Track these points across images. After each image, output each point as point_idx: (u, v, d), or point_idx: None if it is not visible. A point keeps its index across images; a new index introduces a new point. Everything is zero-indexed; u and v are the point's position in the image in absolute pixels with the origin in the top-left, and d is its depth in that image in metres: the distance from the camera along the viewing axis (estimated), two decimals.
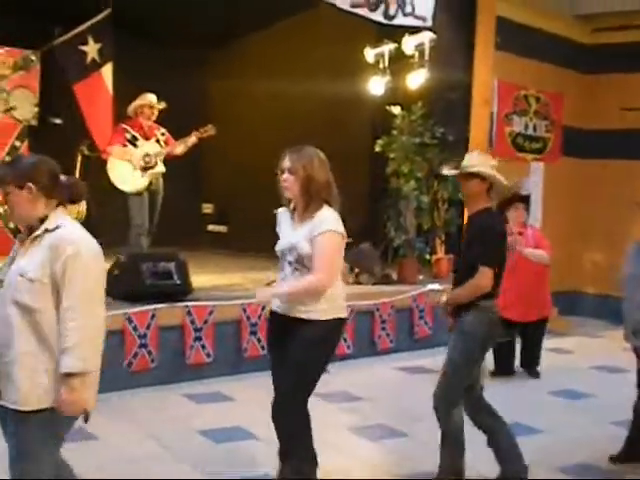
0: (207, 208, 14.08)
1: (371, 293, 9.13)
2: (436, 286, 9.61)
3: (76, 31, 11.59)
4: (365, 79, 10.93)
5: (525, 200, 8.20)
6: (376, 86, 10.81)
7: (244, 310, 7.81)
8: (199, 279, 8.38)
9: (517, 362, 8.40)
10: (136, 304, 7.17)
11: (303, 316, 4.44)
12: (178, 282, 7.62)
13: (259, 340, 7.82)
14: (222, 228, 13.65)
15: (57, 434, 3.59)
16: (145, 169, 9.41)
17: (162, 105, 9.71)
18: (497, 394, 5.96)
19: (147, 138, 9.56)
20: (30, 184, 3.50)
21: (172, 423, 6.17)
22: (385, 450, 5.84)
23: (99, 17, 11.61)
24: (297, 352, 4.46)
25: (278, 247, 4.63)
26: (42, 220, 3.50)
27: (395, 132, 10.25)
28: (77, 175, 11.70)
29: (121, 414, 6.32)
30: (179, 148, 9.50)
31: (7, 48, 11.53)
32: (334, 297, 4.59)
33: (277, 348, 4.64)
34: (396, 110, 10.31)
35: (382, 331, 8.92)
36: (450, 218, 10.45)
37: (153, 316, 7.11)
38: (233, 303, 7.86)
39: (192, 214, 13.20)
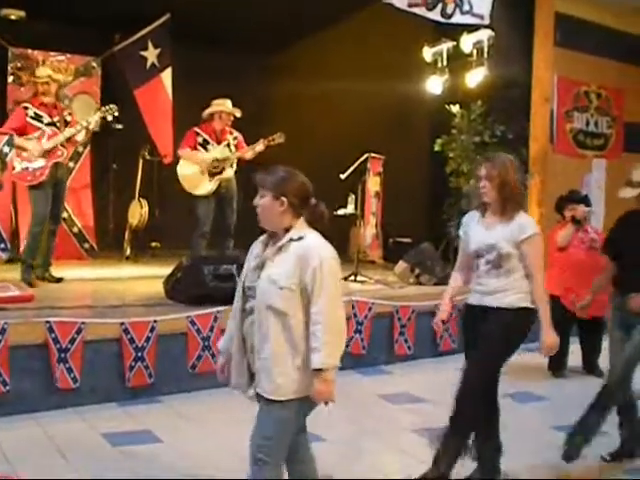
0: None
1: (432, 293, 9.05)
2: None
3: (136, 37, 11.77)
4: (424, 78, 10.91)
5: (583, 201, 8.08)
6: (435, 85, 10.79)
7: None
8: None
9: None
10: (199, 307, 7.22)
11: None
12: None
13: None
14: None
15: (298, 423, 3.97)
16: (213, 174, 9.48)
17: (238, 112, 9.75)
18: (559, 393, 5.92)
19: (219, 142, 9.62)
20: (284, 198, 3.82)
21: (237, 425, 6.18)
22: None
23: (158, 22, 11.79)
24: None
25: (473, 246, 4.94)
26: (287, 229, 3.84)
27: (454, 131, 10.21)
28: (139, 179, 11.88)
29: (186, 416, 6.37)
30: (248, 154, 9.56)
31: (69, 55, 11.77)
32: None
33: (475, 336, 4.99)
34: (455, 109, 10.28)
35: (444, 332, 8.86)
36: None
37: (216, 318, 7.15)
38: None
39: (254, 215, 13.30)
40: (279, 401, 3.78)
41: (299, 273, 3.72)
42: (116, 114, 8.96)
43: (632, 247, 5.59)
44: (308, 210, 3.91)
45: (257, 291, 3.82)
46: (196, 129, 9.69)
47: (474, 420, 5.00)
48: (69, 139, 8.63)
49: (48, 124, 8.58)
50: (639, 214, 5.84)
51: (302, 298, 3.75)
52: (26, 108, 8.60)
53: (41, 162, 8.36)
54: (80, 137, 8.80)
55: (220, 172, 9.49)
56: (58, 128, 8.61)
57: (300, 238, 3.79)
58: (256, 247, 4.00)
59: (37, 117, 8.55)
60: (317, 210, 3.94)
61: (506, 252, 4.76)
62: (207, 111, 9.72)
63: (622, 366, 5.49)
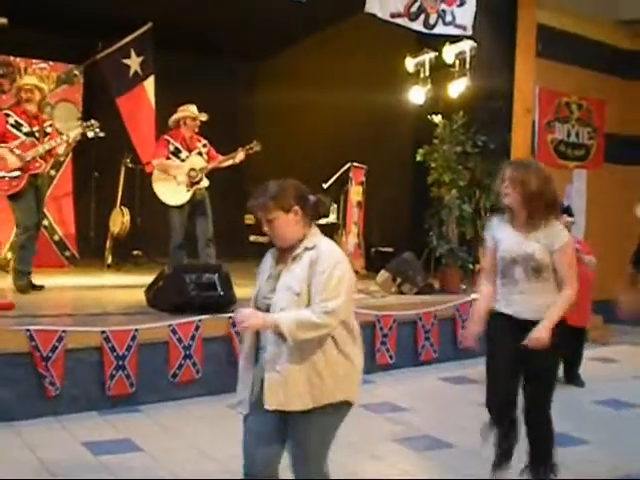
0: (249, 219, 14.12)
1: (414, 303, 9.10)
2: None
3: (119, 45, 11.76)
4: (406, 88, 10.94)
5: (565, 212, 8.11)
6: (417, 95, 10.81)
7: None
8: (242, 290, 8.40)
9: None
10: (180, 315, 7.20)
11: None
12: (222, 293, 7.64)
13: None
14: (264, 239, 13.66)
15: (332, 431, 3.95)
16: (191, 184, 9.48)
17: (204, 116, 9.78)
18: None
19: (189, 149, 9.63)
20: (295, 208, 3.81)
21: (216, 435, 6.19)
22: (430, 461, 5.82)
23: (141, 31, 11.77)
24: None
25: (507, 253, 4.84)
26: (300, 239, 3.84)
27: (436, 141, 10.22)
28: (120, 187, 11.85)
29: (166, 426, 6.36)
30: (226, 163, 9.59)
31: (51, 63, 11.73)
32: None
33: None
34: (437, 119, 10.29)
35: (425, 341, 8.89)
36: None
37: (197, 327, 7.14)
38: None
39: (235, 225, 13.23)
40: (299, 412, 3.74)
41: (310, 277, 3.72)
42: (97, 131, 8.90)
43: None
44: (312, 207, 3.90)
45: (273, 300, 3.80)
46: (166, 137, 9.71)
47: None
48: (48, 151, 8.58)
49: (27, 134, 8.51)
50: None
51: (310, 298, 3.72)
52: (7, 115, 8.54)
53: (18, 173, 8.30)
54: (60, 150, 8.73)
55: (197, 182, 9.50)
56: (37, 139, 8.55)
57: (314, 246, 3.80)
58: (267, 260, 4.02)
59: (17, 125, 8.49)
60: (320, 205, 3.93)
61: (546, 263, 4.73)
62: (173, 118, 9.75)
63: None
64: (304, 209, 3.84)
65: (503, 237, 4.90)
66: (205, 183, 9.57)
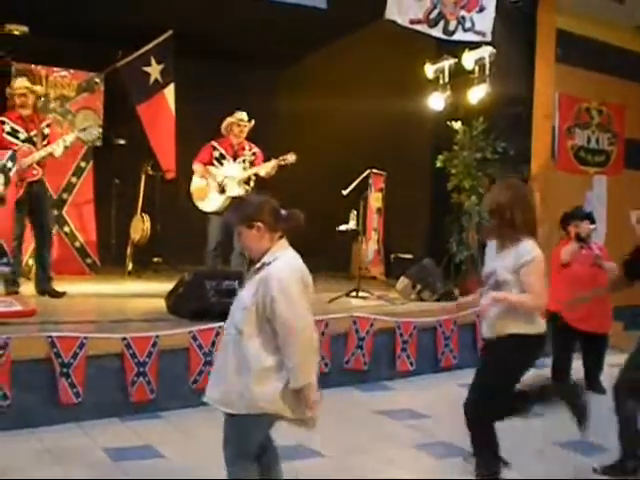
0: None
1: (433, 309, 9.09)
2: None
3: (139, 52, 11.81)
4: (425, 95, 10.93)
5: (587, 217, 8.09)
6: (436, 102, 10.80)
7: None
8: None
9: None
10: (201, 322, 7.22)
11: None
12: None
13: (322, 358, 7.85)
14: None
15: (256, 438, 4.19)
16: (223, 191, 9.51)
17: (251, 123, 9.79)
18: (561, 409, 5.91)
19: (235, 157, 9.64)
20: (257, 223, 4.00)
21: None
22: (449, 467, 5.81)
23: (161, 38, 11.81)
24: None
25: (482, 274, 5.10)
26: (265, 253, 4.03)
27: (456, 147, 10.22)
28: (141, 194, 11.90)
29: (187, 432, 6.38)
30: (261, 172, 9.57)
31: (72, 71, 11.79)
32: None
33: None
34: (457, 125, 10.29)
35: (445, 348, 8.87)
36: None
37: (218, 334, 7.15)
38: None
39: None
40: (234, 415, 4.05)
41: (260, 294, 3.91)
42: (94, 134, 8.90)
43: None
44: (284, 222, 4.08)
45: (232, 310, 4.10)
46: (213, 143, 9.74)
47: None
48: (44, 157, 8.54)
49: (24, 140, 8.49)
50: None
51: (258, 318, 3.92)
52: (2, 122, 8.51)
53: (15, 179, 8.25)
54: (57, 154, 8.60)
55: (230, 190, 9.51)
56: (34, 144, 8.52)
57: (269, 263, 3.98)
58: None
59: (13, 132, 8.47)
60: (292, 218, 4.10)
61: (503, 279, 4.82)
62: (223, 124, 9.78)
63: None
64: (268, 224, 4.02)
65: (488, 258, 5.13)
66: (235, 192, 9.52)
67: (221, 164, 9.64)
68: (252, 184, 9.71)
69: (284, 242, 4.10)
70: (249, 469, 4.16)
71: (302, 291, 3.98)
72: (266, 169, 9.54)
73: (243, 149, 9.75)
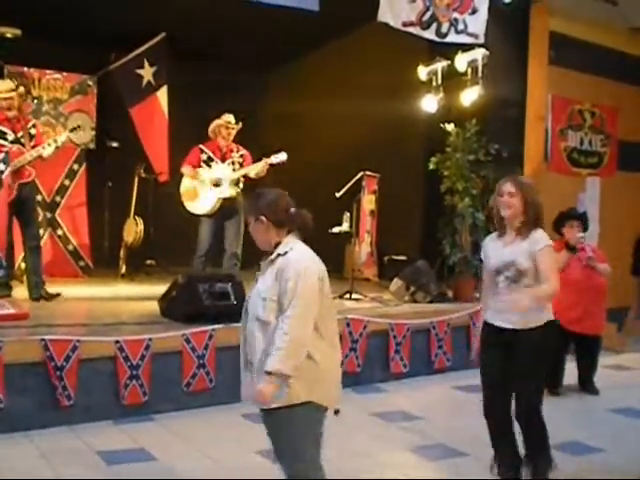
0: None
1: (427, 311, 9.09)
2: None
3: (132, 55, 11.81)
4: (418, 97, 10.92)
5: (580, 218, 8.10)
6: (429, 104, 10.79)
7: None
8: None
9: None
10: (194, 325, 7.22)
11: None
12: (235, 303, 7.64)
13: None
14: None
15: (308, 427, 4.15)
16: (217, 185, 9.51)
17: (239, 125, 9.79)
18: (555, 411, 5.94)
19: (223, 159, 9.65)
20: (262, 217, 4.11)
21: (230, 443, 6.20)
22: (444, 470, 5.81)
23: (154, 41, 11.82)
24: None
25: (493, 266, 5.15)
26: (276, 245, 4.09)
27: (449, 149, 10.21)
28: (134, 197, 11.88)
29: (180, 435, 6.37)
30: (251, 172, 9.56)
31: (65, 73, 11.80)
32: None
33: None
34: (450, 127, 10.28)
35: (439, 349, 8.88)
36: None
37: (211, 336, 7.15)
38: None
39: (248, 235, 13.30)
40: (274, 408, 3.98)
41: (278, 285, 3.96)
42: (82, 134, 8.87)
43: None
44: (290, 220, 4.14)
45: (249, 306, 4.13)
46: (201, 146, 9.77)
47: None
48: (36, 158, 8.54)
49: (13, 141, 8.48)
50: None
51: (280, 307, 3.95)
52: None
53: (8, 183, 8.28)
54: (46, 154, 8.56)
55: (221, 191, 9.52)
56: (23, 145, 8.51)
57: (286, 252, 4.03)
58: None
59: (1, 134, 8.46)
60: (299, 218, 4.16)
61: (524, 268, 4.95)
62: (210, 127, 9.80)
63: None
64: (273, 220, 4.11)
65: (492, 251, 5.21)
66: (227, 193, 9.53)
67: (209, 167, 9.65)
68: (241, 185, 9.70)
69: (293, 237, 4.15)
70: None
71: (319, 287, 4.04)
72: (256, 169, 9.53)
73: (231, 151, 9.77)
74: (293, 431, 4.06)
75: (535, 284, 4.93)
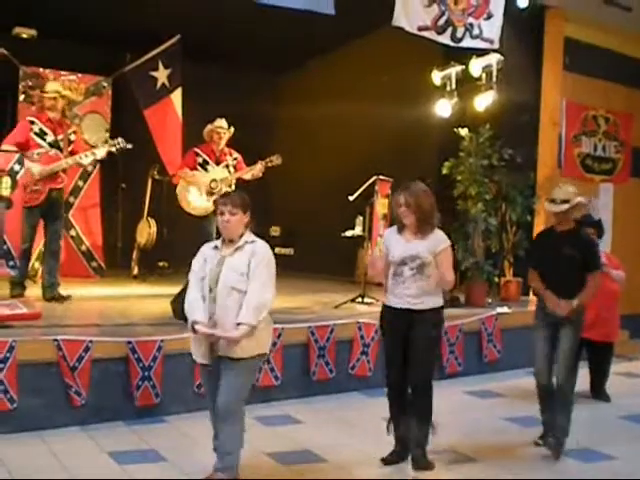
0: (274, 231, 14.14)
1: None
2: (505, 309, 9.56)
3: (147, 57, 11.83)
4: (432, 102, 10.93)
5: (595, 225, 8.06)
6: (443, 108, 10.81)
7: (312, 333, 7.84)
8: None
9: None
10: None
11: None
12: None
13: (327, 363, 7.86)
14: (288, 251, 13.68)
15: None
16: (211, 194, 9.55)
17: (230, 131, 9.83)
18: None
19: (218, 162, 9.71)
20: (248, 213, 5.23)
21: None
22: (455, 475, 5.80)
23: (169, 43, 11.84)
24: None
25: (397, 257, 5.83)
26: (241, 236, 5.18)
27: (462, 154, 10.21)
28: (147, 198, 11.91)
29: (192, 436, 6.38)
30: (246, 175, 9.65)
31: (79, 75, 11.84)
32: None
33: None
34: (463, 132, 10.28)
35: (450, 354, 8.86)
36: (518, 240, 10.38)
37: None
38: (301, 326, 7.89)
39: (259, 236, 13.31)
40: (244, 358, 5.02)
41: (253, 263, 5.06)
42: (123, 145, 8.95)
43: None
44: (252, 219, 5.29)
45: (220, 279, 5.07)
46: (196, 149, 9.85)
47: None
48: (71, 166, 8.64)
49: (51, 143, 8.54)
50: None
51: (251, 280, 5.05)
52: (32, 122, 8.58)
53: (38, 186, 8.35)
54: (85, 162, 8.77)
55: (218, 192, 9.55)
56: (60, 149, 8.57)
57: (253, 241, 5.20)
58: (209, 251, 5.30)
59: (41, 134, 8.53)
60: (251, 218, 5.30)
61: (428, 261, 5.70)
62: (205, 131, 9.85)
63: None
64: (249, 216, 5.25)
65: (394, 245, 5.88)
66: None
67: (205, 169, 9.72)
68: (233, 187, 9.75)
69: (249, 231, 5.26)
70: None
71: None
72: (252, 172, 9.63)
73: (225, 155, 9.86)
74: (251, 378, 5.33)
75: (434, 273, 5.70)
